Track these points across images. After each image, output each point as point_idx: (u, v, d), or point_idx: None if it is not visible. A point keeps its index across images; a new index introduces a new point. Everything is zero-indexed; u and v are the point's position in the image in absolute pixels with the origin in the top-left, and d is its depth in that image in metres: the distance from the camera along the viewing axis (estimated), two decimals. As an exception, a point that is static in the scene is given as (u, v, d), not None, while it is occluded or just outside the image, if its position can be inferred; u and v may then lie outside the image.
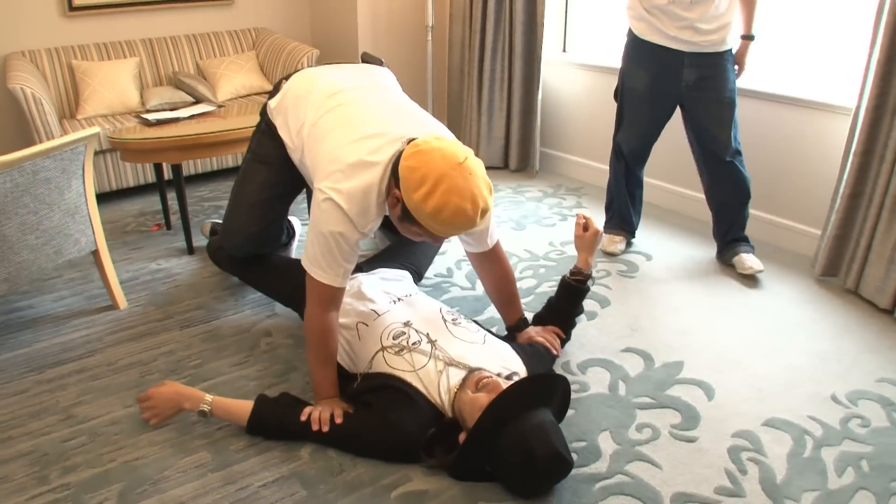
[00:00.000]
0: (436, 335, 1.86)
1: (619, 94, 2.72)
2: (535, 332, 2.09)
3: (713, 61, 2.50)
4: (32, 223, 2.08)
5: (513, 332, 2.14)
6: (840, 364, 2.15)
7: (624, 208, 2.89)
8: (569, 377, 2.08)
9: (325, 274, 1.75)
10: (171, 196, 3.06)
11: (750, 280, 2.64)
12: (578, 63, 3.64)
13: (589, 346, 2.21)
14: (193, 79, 3.58)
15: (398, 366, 1.79)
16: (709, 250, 2.89)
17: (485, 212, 1.62)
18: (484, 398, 1.61)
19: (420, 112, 2.01)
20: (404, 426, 1.70)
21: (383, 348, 1.83)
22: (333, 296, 1.79)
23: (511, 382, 1.67)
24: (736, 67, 2.57)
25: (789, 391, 2.02)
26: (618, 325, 2.35)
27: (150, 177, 3.38)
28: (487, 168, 4.00)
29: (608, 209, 2.96)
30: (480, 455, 1.62)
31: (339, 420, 1.74)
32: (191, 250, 2.87)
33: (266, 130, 2.13)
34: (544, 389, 1.67)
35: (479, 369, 1.74)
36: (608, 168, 2.90)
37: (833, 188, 2.57)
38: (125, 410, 1.92)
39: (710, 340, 2.28)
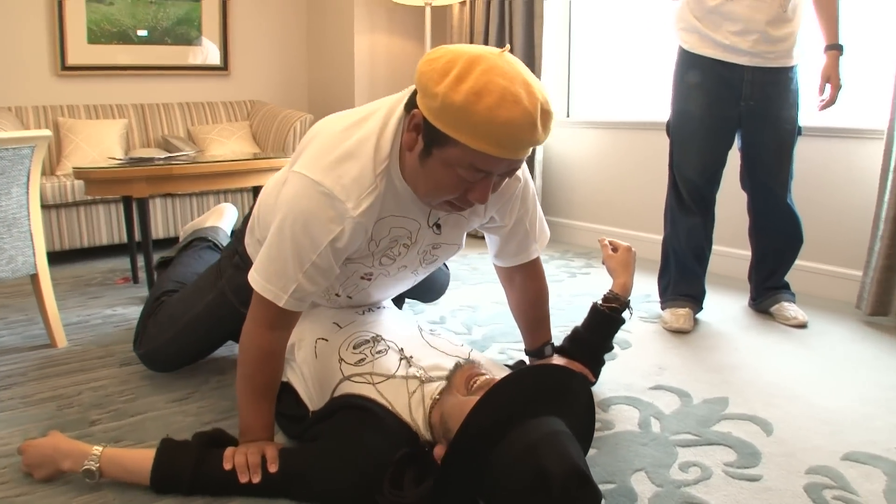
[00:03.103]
0: (410, 350, 1.41)
1: (670, 126, 2.23)
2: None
3: (778, 78, 2.04)
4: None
5: (534, 358, 1.69)
6: (920, 400, 1.69)
7: (687, 268, 2.25)
8: (587, 413, 1.61)
9: (269, 287, 1.24)
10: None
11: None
12: (582, 122, 3.42)
13: (610, 384, 1.75)
14: (182, 140, 3.36)
15: (359, 384, 1.33)
16: (735, 297, 2.48)
17: (547, 114, 1.09)
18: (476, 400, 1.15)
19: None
20: (367, 445, 1.22)
21: (341, 360, 1.38)
22: (281, 318, 1.28)
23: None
24: (827, 87, 2.06)
25: (866, 423, 1.55)
26: (643, 364, 1.90)
27: (125, 237, 3.05)
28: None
29: (662, 276, 2.33)
30: (468, 476, 1.11)
31: (272, 467, 1.23)
32: (154, 299, 2.47)
33: (240, 265, 1.60)
34: (557, 388, 1.18)
35: (470, 364, 1.27)
36: (663, 223, 2.30)
37: (872, 218, 2.22)
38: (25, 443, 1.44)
39: (755, 377, 1.82)
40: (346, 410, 1.29)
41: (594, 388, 1.72)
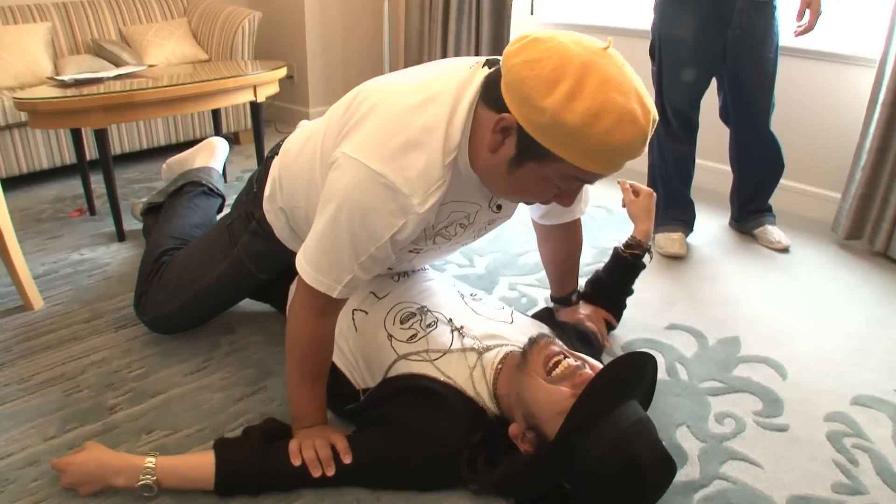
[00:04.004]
0: (459, 320, 1.35)
1: (656, 50, 2.15)
2: (584, 314, 1.62)
3: (766, 9, 2.01)
4: None
5: (560, 305, 1.66)
6: (903, 330, 1.81)
7: (676, 194, 2.25)
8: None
9: (319, 279, 1.13)
10: (95, 178, 2.42)
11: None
12: (549, 23, 3.22)
13: (629, 325, 1.77)
14: (117, 45, 2.91)
15: (417, 362, 1.27)
16: (718, 216, 2.52)
17: (654, 122, 1.00)
18: (567, 392, 1.12)
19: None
20: (445, 435, 1.18)
21: (391, 337, 1.32)
22: (331, 305, 1.19)
23: (592, 364, 1.20)
24: (807, 12, 2.00)
25: (863, 363, 1.66)
26: (652, 300, 1.92)
27: (68, 157, 2.69)
28: None
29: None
30: (560, 469, 1.13)
31: (346, 458, 1.17)
32: (121, 236, 2.22)
33: (258, 231, 1.47)
34: (636, 374, 1.20)
35: (545, 341, 1.22)
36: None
37: (854, 146, 2.25)
38: (46, 444, 1.30)
39: (756, 312, 1.89)
40: (411, 393, 1.24)
41: (616, 333, 1.74)
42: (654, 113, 0.98)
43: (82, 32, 2.94)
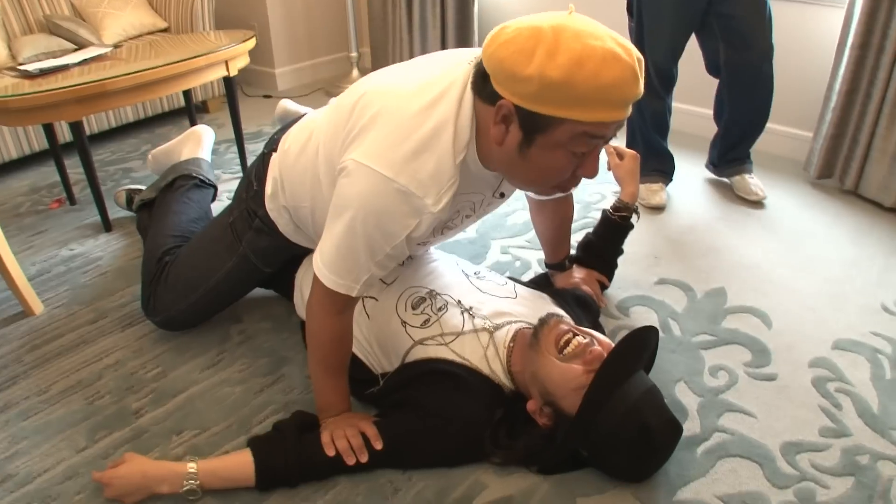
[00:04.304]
0: (468, 301, 1.40)
1: (633, 5, 2.13)
2: (579, 278, 1.69)
3: None
4: None
5: (555, 271, 1.73)
6: (873, 270, 1.92)
7: (655, 144, 2.27)
8: (613, 321, 1.72)
9: (339, 281, 1.16)
10: (69, 164, 2.35)
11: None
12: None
13: (620, 282, 1.84)
14: (71, 21, 2.76)
15: (433, 346, 1.33)
16: (694, 163, 2.58)
17: (640, 63, 0.99)
18: (579, 369, 1.19)
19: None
20: (468, 415, 1.26)
21: (405, 324, 1.37)
22: (349, 303, 1.22)
23: (600, 339, 1.27)
24: None
25: (841, 307, 1.77)
26: (640, 255, 2.00)
27: (37, 144, 2.59)
28: None
29: (630, 146, 2.30)
30: (579, 439, 1.22)
31: (377, 444, 1.24)
32: (107, 227, 2.19)
33: (262, 229, 1.49)
34: (644, 347, 1.28)
35: (555, 320, 1.29)
36: None
37: (825, 87, 2.31)
38: (80, 456, 1.34)
39: (738, 260, 1.98)
40: (431, 376, 1.30)
41: (609, 292, 1.82)
42: (637, 52, 0.99)
43: (33, 10, 2.77)
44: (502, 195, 1.31)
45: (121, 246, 2.11)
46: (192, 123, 2.74)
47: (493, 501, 1.22)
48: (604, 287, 1.79)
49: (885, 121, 2.12)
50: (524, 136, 1.02)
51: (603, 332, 1.54)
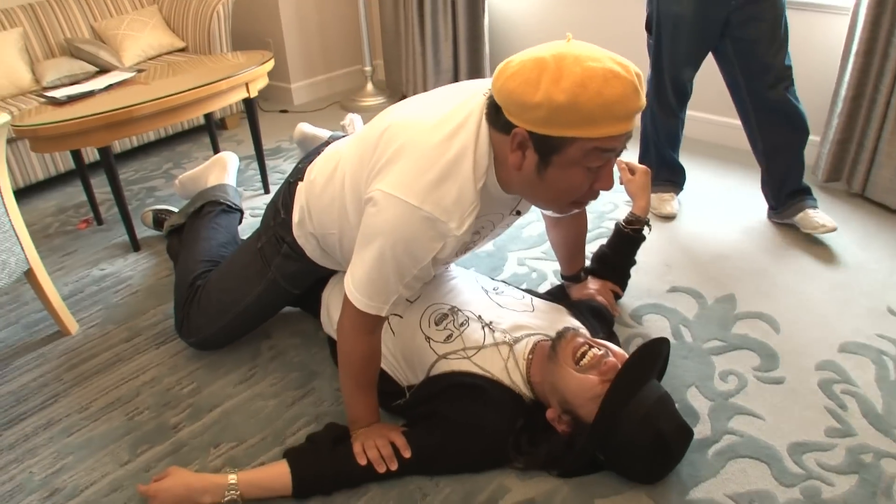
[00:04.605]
0: (488, 316, 1.48)
1: (653, 24, 2.13)
2: (594, 289, 1.76)
3: None
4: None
5: (570, 283, 1.80)
6: (881, 272, 1.98)
7: (667, 157, 2.33)
8: (626, 329, 1.79)
9: (371, 304, 1.24)
10: (94, 183, 2.45)
11: (750, 189, 2.43)
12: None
13: (633, 291, 1.92)
14: (92, 44, 2.87)
15: (456, 360, 1.42)
16: (701, 167, 2.64)
17: (639, 77, 1.06)
18: (595, 380, 1.27)
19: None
20: (491, 424, 1.34)
21: (429, 339, 1.45)
22: (379, 322, 1.30)
23: (614, 350, 1.35)
24: None
25: (847, 310, 1.83)
26: (652, 263, 2.07)
27: (62, 165, 2.71)
28: None
29: (642, 162, 2.37)
30: (597, 445, 1.30)
31: (406, 453, 1.33)
32: (136, 246, 2.29)
33: (291, 255, 1.58)
34: (656, 358, 1.36)
35: (571, 334, 1.37)
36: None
37: (831, 93, 2.37)
38: (123, 469, 1.43)
39: (747, 266, 2.04)
40: (456, 388, 1.38)
41: (623, 301, 1.90)
42: (636, 68, 1.07)
43: (54, 34, 2.89)
44: (519, 213, 1.40)
45: (150, 265, 2.21)
46: (213, 141, 2.84)
47: (517, 503, 1.31)
48: (618, 297, 1.86)
49: (891, 125, 2.17)
50: (540, 158, 1.10)
51: (618, 341, 1.63)
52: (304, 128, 2.22)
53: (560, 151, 1.07)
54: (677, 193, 2.41)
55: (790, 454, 1.40)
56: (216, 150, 2.85)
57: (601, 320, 1.66)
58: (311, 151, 1.63)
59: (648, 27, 2.19)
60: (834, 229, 2.09)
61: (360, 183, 1.29)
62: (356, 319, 1.28)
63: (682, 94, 2.22)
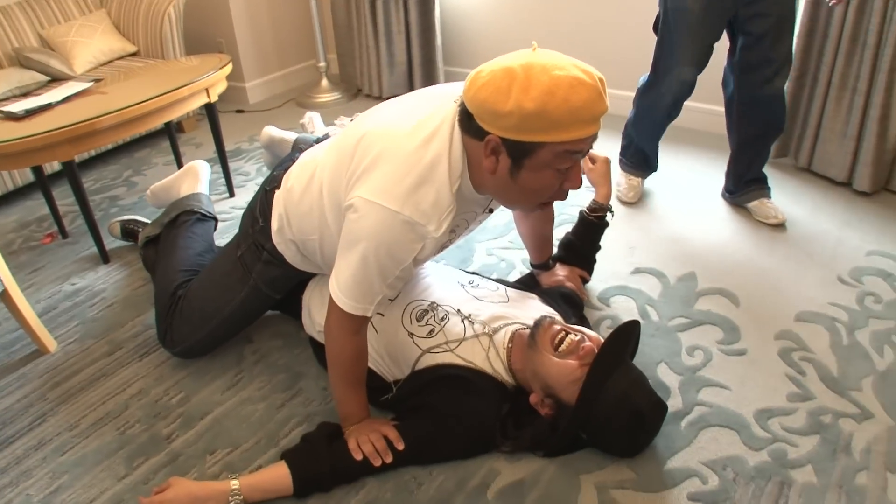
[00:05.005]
0: (466, 309, 1.56)
1: (662, 22, 2.12)
2: (563, 276, 1.85)
3: None
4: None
5: (539, 270, 1.89)
6: (829, 244, 2.12)
7: (647, 152, 2.37)
8: (595, 312, 1.89)
9: (357, 305, 1.30)
10: (56, 196, 2.41)
11: (707, 169, 2.56)
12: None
13: (599, 274, 2.01)
14: (42, 53, 2.81)
15: (440, 353, 1.49)
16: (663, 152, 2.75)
17: (602, 82, 1.14)
18: (574, 364, 1.36)
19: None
20: (479, 412, 1.43)
21: (412, 335, 1.51)
22: (364, 322, 1.36)
23: (590, 335, 1.44)
24: None
25: (801, 280, 1.97)
26: (615, 246, 2.17)
27: (20, 179, 2.66)
28: (390, 96, 3.22)
29: (625, 150, 2.44)
30: (579, 425, 1.40)
31: (400, 445, 1.39)
32: (105, 258, 2.28)
33: (271, 261, 1.62)
34: (629, 340, 1.45)
35: (548, 322, 1.45)
36: (632, 104, 2.34)
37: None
38: (122, 483, 1.46)
39: (705, 244, 2.17)
40: (441, 380, 1.45)
41: (590, 285, 1.99)
42: (599, 73, 1.15)
43: (1, 44, 2.82)
44: (491, 210, 1.47)
45: (122, 277, 2.21)
46: (173, 146, 2.83)
47: (507, 485, 1.39)
48: (585, 281, 1.96)
49: (833, 103, 2.32)
50: (513, 162, 1.17)
51: (588, 324, 1.73)
52: (272, 131, 2.24)
53: (531, 155, 1.15)
54: (644, 178, 2.48)
55: (756, 420, 1.52)
56: (177, 155, 2.84)
57: (572, 305, 1.75)
58: (284, 159, 1.67)
59: (656, 28, 2.16)
60: (783, 223, 2.22)
61: (338, 190, 1.34)
62: (343, 321, 1.34)
63: (686, 95, 2.18)
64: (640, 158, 2.43)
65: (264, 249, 1.59)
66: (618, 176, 2.48)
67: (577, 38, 3.11)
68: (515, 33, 3.32)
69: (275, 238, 1.56)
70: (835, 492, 1.34)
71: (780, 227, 2.22)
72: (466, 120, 1.20)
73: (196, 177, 2.05)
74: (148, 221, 2.31)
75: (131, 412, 1.66)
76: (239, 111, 3.57)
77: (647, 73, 2.25)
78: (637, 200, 2.44)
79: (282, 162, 1.66)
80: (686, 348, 1.74)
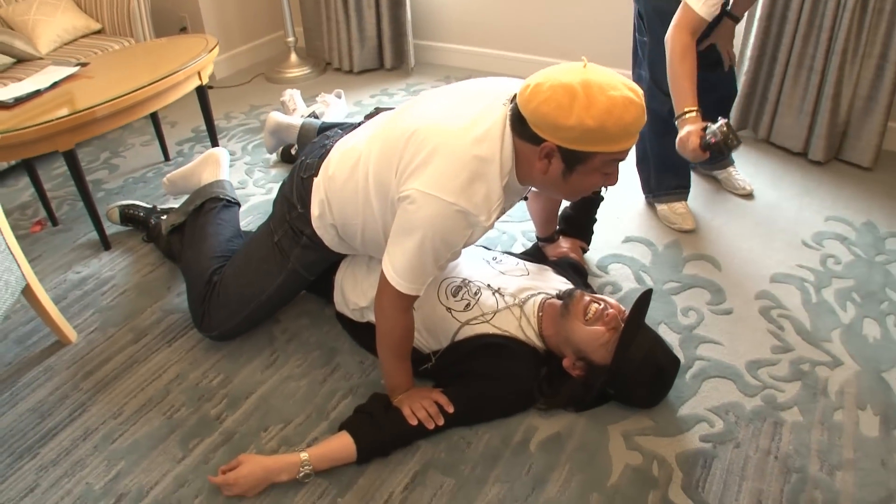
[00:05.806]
0: (496, 284, 1.72)
1: (643, 23, 2.13)
2: (566, 248, 2.03)
3: None
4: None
5: (545, 243, 2.06)
6: (792, 210, 2.38)
7: (667, 162, 2.22)
8: (597, 279, 2.08)
9: (411, 286, 1.43)
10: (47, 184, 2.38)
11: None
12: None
13: (595, 245, 2.20)
14: (4, 33, 2.70)
15: (478, 325, 1.64)
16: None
17: (641, 96, 1.30)
18: (602, 329, 1.55)
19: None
20: (519, 374, 1.60)
21: (450, 310, 1.66)
22: (414, 301, 1.50)
23: (611, 303, 1.62)
24: None
25: (771, 244, 2.21)
26: (606, 216, 2.35)
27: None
28: (363, 72, 3.58)
29: (641, 167, 2.36)
30: (608, 381, 1.59)
31: (450, 408, 1.55)
32: (106, 245, 2.28)
33: (310, 245, 1.71)
34: (646, 307, 1.63)
35: (579, 292, 1.64)
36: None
37: (738, 53, 2.72)
38: (182, 465, 1.54)
39: (685, 214, 2.38)
40: (482, 348, 1.62)
41: (588, 255, 2.18)
42: (639, 88, 1.30)
43: (-41, 23, 2.69)
44: (525, 198, 1.62)
45: (127, 263, 2.22)
46: (157, 127, 2.80)
47: (546, 438, 1.57)
48: (584, 251, 2.14)
49: (790, 80, 2.56)
50: (566, 167, 1.34)
51: (593, 290, 1.92)
52: (278, 117, 2.29)
53: (585, 162, 1.31)
54: (686, 199, 2.34)
55: (748, 370, 1.75)
56: (160, 135, 2.81)
57: (579, 274, 1.94)
58: (312, 147, 1.74)
59: (638, 27, 2.18)
60: (751, 192, 2.43)
61: (387, 180, 1.45)
62: (396, 300, 1.46)
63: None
64: (668, 176, 2.30)
65: (304, 235, 1.68)
66: (659, 212, 2.36)
67: (545, 11, 3.25)
68: (484, 7, 3.42)
69: (315, 223, 1.65)
70: (818, 428, 1.59)
71: (748, 196, 2.47)
72: (519, 125, 1.33)
73: (217, 164, 2.08)
74: (146, 205, 2.33)
75: (174, 396, 1.72)
76: (208, 87, 3.51)
77: (645, 83, 2.16)
78: (693, 227, 2.29)
79: (310, 150, 1.73)
80: (681, 309, 1.96)
